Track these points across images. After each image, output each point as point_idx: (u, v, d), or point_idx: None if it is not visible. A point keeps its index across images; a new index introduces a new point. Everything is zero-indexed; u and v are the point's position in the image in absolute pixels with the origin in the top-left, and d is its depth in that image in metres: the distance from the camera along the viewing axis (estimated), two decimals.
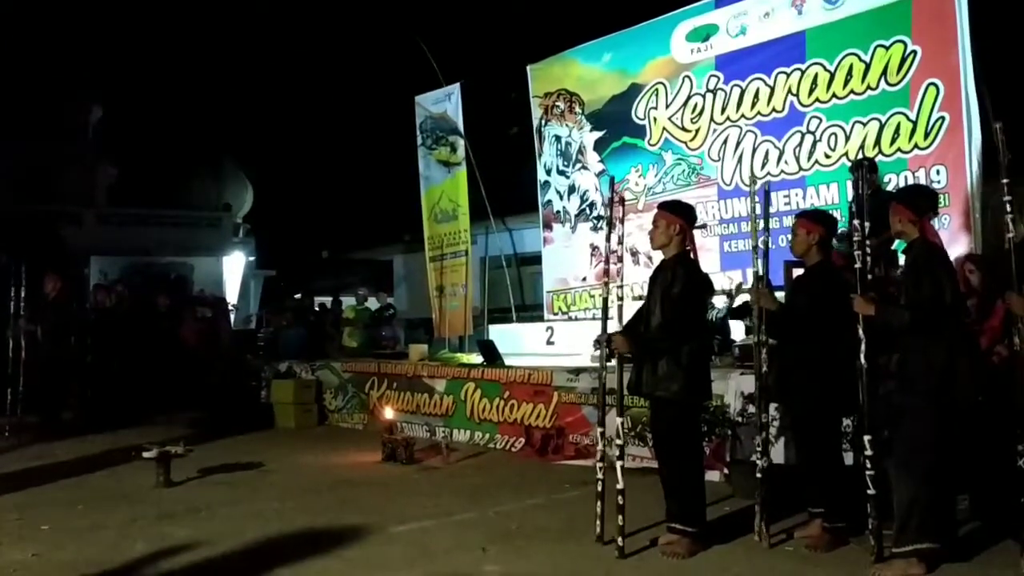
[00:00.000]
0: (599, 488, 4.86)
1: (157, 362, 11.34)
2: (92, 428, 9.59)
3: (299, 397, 10.36)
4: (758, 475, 4.78)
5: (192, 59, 22.47)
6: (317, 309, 14.99)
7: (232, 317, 16.48)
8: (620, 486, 4.66)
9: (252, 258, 24.03)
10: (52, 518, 5.60)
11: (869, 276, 4.46)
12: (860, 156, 5.77)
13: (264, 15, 21.22)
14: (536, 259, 11.72)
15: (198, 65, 22.65)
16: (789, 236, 5.31)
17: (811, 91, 8.14)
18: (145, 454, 6.72)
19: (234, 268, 22.95)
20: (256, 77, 22.89)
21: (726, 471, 6.16)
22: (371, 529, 5.20)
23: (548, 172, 10.93)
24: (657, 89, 9.55)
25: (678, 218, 4.81)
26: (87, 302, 12.64)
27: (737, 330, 7.54)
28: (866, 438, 4.30)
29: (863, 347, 4.29)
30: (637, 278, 8.56)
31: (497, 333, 10.65)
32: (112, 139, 23.45)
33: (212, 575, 4.40)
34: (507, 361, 8.83)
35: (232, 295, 20.64)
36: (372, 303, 14.38)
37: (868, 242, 4.49)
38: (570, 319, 10.47)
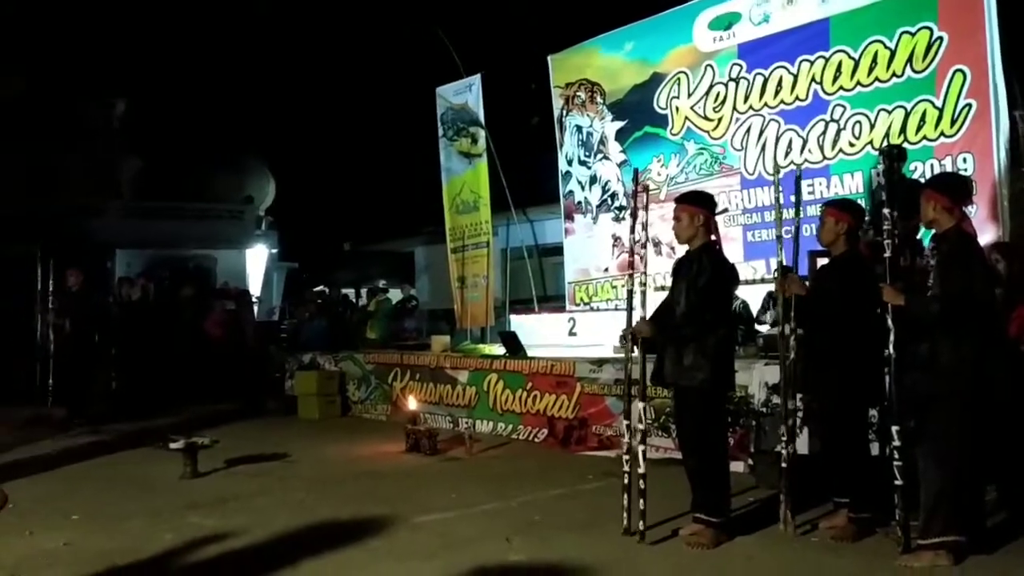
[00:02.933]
0: (625, 479, 4.84)
1: (182, 354, 11.45)
2: (119, 419, 9.70)
3: (322, 388, 10.42)
4: (783, 465, 4.76)
5: (214, 53, 22.56)
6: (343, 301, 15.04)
7: (255, 309, 16.60)
8: (642, 471, 4.66)
9: (275, 250, 24.12)
10: (82, 508, 5.68)
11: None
12: (887, 144, 5.73)
13: (287, 8, 21.27)
14: (557, 250, 11.71)
15: (220, 59, 22.74)
16: (814, 226, 5.28)
17: (835, 79, 8.07)
18: (172, 445, 6.79)
19: (257, 260, 23.07)
20: (278, 70, 22.95)
21: (750, 462, 6.14)
22: (395, 519, 5.23)
23: (569, 163, 10.91)
24: (679, 78, 9.50)
25: (700, 208, 4.79)
26: (112, 295, 12.78)
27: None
28: (894, 428, 4.27)
29: (891, 337, 4.24)
30: (659, 268, 8.50)
31: (519, 324, 10.66)
32: (136, 133, 23.60)
33: (239, 565, 4.43)
34: (529, 352, 8.83)
35: (255, 287, 20.75)
36: (394, 295, 14.44)
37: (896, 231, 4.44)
38: (592, 310, 10.46)
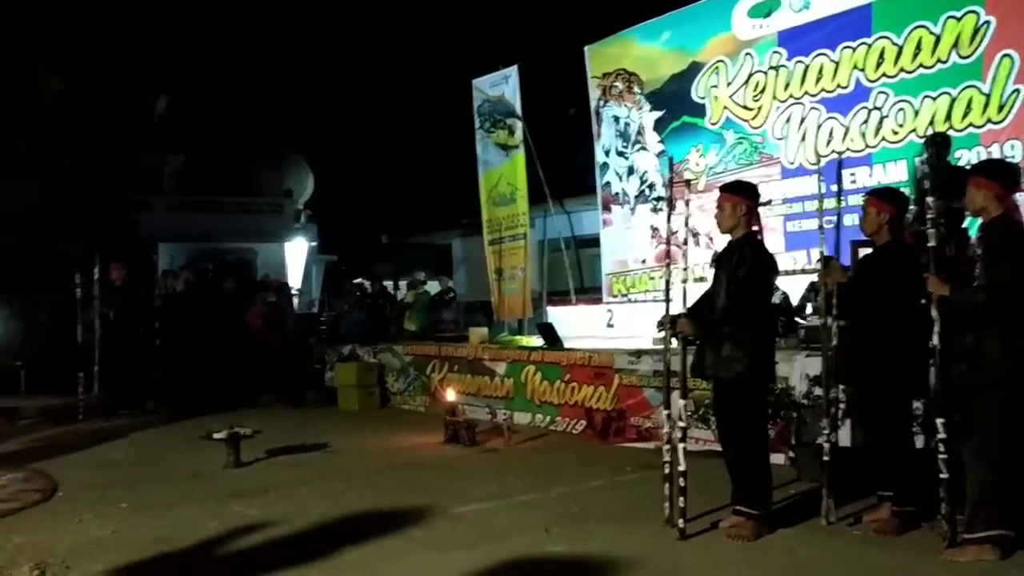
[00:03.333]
0: (665, 470, 4.82)
1: (224, 346, 11.60)
2: (162, 409, 9.87)
3: (362, 380, 10.52)
4: (824, 458, 4.71)
5: (252, 48, 22.81)
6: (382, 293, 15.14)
7: (295, 302, 16.77)
8: (682, 468, 4.64)
9: (314, 243, 24.36)
10: (128, 497, 5.80)
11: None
12: (932, 131, 5.63)
13: (324, 2, 21.42)
14: (594, 241, 11.69)
15: (259, 54, 22.99)
16: (856, 215, 5.20)
17: (878, 65, 7.95)
18: (215, 435, 6.90)
19: (296, 253, 23.31)
20: (316, 64, 23.13)
21: (791, 454, 6.08)
22: (434, 510, 5.27)
23: (607, 153, 10.87)
24: (718, 67, 9.42)
25: (743, 198, 4.74)
26: (156, 288, 13.00)
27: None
28: (939, 421, 4.20)
29: (937, 328, 4.17)
30: (697, 259, 8.47)
31: (556, 316, 10.66)
32: (178, 128, 23.94)
33: (282, 554, 4.49)
34: (567, 344, 8.83)
35: (295, 280, 20.97)
36: (432, 287, 14.50)
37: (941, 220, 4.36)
38: (629, 301, 10.42)
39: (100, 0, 20.71)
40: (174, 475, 6.57)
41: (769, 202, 8.28)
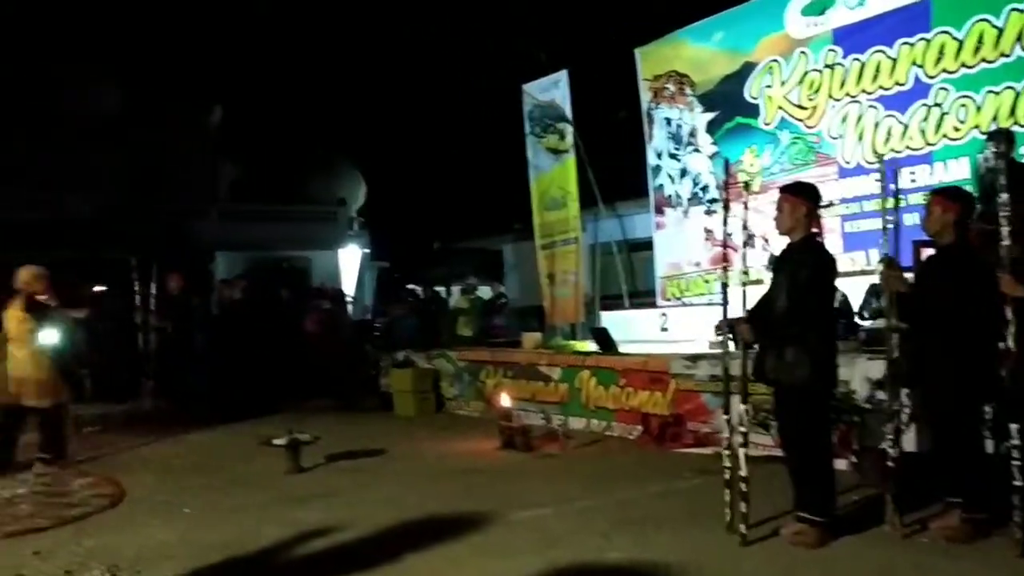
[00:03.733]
0: (726, 475, 4.77)
1: (282, 353, 11.79)
2: (223, 417, 10.04)
3: (417, 385, 10.59)
4: (888, 463, 4.61)
5: (303, 58, 23.15)
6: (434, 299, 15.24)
7: (350, 308, 16.97)
8: (744, 473, 4.58)
9: (366, 250, 24.64)
10: (193, 502, 5.92)
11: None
12: (996, 127, 5.48)
13: (374, 10, 21.64)
14: (647, 245, 11.60)
15: (309, 63, 23.32)
16: (917, 215, 5.09)
17: (937, 61, 7.75)
18: (275, 441, 7.01)
19: (350, 260, 23.60)
20: (367, 72, 23.39)
21: (854, 459, 5.97)
22: (493, 515, 5.28)
23: (659, 156, 10.79)
24: (771, 67, 9.29)
25: (803, 200, 4.67)
26: (214, 296, 13.25)
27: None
28: (1013, 426, 4.08)
29: (1012, 329, 4.05)
30: (752, 262, 8.33)
31: (609, 320, 10.61)
32: (231, 139, 24.42)
33: (344, 559, 4.54)
34: (621, 348, 8.78)
35: (348, 287, 21.23)
36: (484, 292, 14.55)
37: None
38: (684, 305, 10.33)
39: (155, 15, 21.22)
40: (236, 481, 6.69)
41: (831, 204, 8.15)
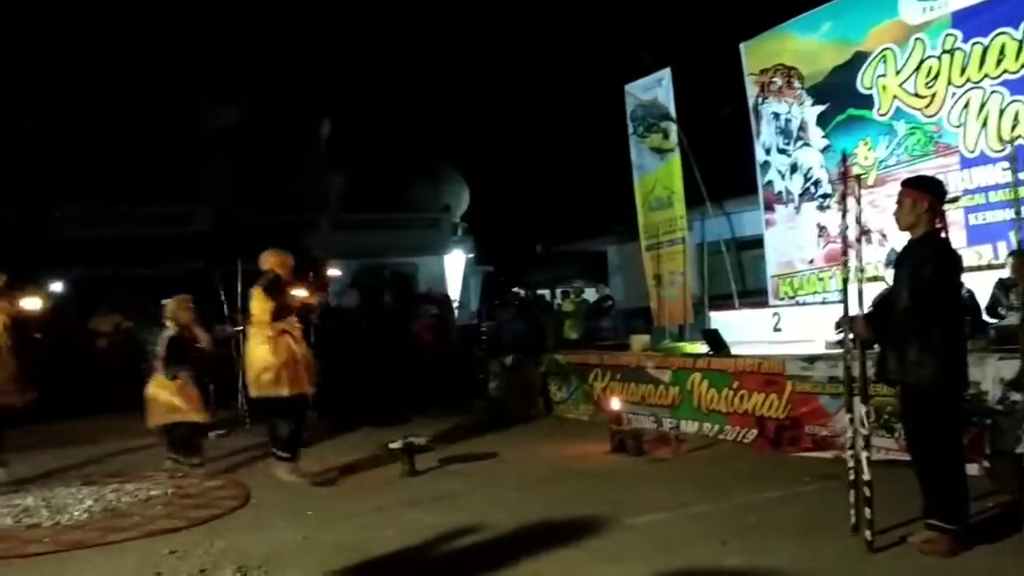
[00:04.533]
0: (851, 477, 4.61)
1: (393, 359, 12.02)
2: (338, 422, 10.30)
3: (525, 389, 10.64)
4: None
5: (406, 67, 23.65)
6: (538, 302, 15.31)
7: (456, 313, 17.21)
8: (867, 478, 4.43)
9: (471, 255, 24.96)
10: (314, 505, 6.12)
11: None
12: None
13: (474, 17, 21.93)
14: (757, 242, 11.35)
15: (412, 72, 23.80)
16: None
17: None
18: (391, 445, 7.17)
19: (454, 266, 23.96)
20: (468, 78, 23.71)
21: (986, 464, 5.68)
22: (607, 520, 5.26)
23: (767, 151, 10.54)
24: (885, 55, 8.94)
25: (925, 194, 4.48)
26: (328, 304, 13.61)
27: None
28: None
29: None
30: (870, 258, 8.05)
31: (719, 321, 10.42)
32: (340, 150, 25.16)
33: (462, 562, 4.62)
34: (732, 350, 8.61)
35: (454, 292, 21.56)
36: (589, 294, 14.53)
37: None
38: (797, 304, 10.05)
39: (268, 34, 22.06)
40: (355, 484, 6.88)
41: (956, 199, 7.78)
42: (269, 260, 7.13)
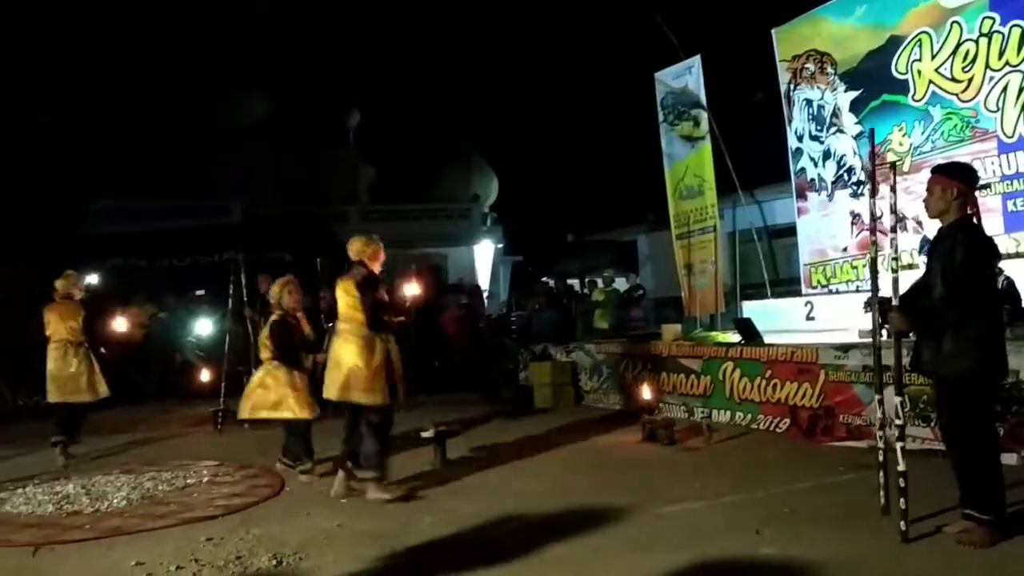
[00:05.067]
0: (880, 474, 4.57)
1: (423, 348, 12.08)
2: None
3: (555, 378, 10.64)
4: None
5: (433, 58, 23.68)
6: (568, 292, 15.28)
7: (487, 303, 17.24)
8: (902, 468, 4.38)
9: (500, 245, 24.98)
10: (349, 493, 6.14)
11: None
12: None
13: (502, 4, 21.91)
14: (789, 231, 11.26)
15: (440, 63, 23.83)
16: None
17: None
18: (423, 434, 7.21)
19: (484, 256, 24.00)
20: (496, 68, 23.69)
21: None
22: (639, 509, 5.26)
23: (800, 139, 10.44)
24: (920, 39, 8.81)
25: (955, 181, 4.41)
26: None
27: None
28: None
29: None
30: (904, 245, 7.99)
31: (751, 309, 10.35)
32: (370, 141, 25.27)
33: (495, 550, 4.62)
34: (765, 339, 8.55)
35: (483, 281, 21.60)
36: (620, 284, 14.48)
37: None
38: (830, 292, 9.96)
39: (297, 29, 22.19)
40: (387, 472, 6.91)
41: (988, 186, 7.66)
42: (355, 248, 6.07)
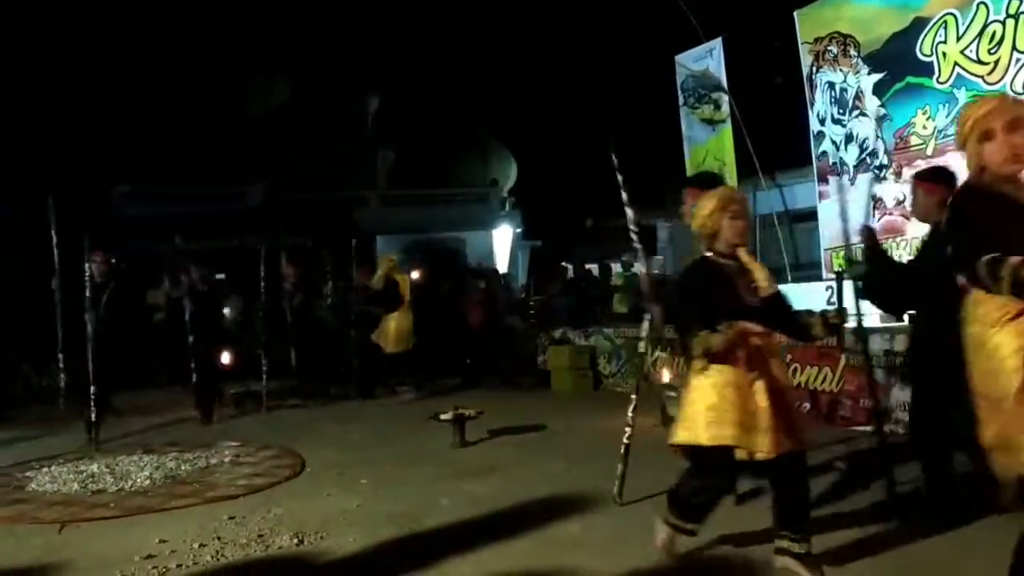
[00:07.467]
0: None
1: (441, 331, 12.11)
2: (382, 394, 10.39)
3: (574, 362, 10.66)
4: None
5: (452, 41, 23.58)
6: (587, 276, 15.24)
7: (512, 288, 17.24)
8: None
9: (518, 230, 24.93)
10: (368, 474, 6.22)
11: None
12: None
13: None
14: (810, 215, 11.15)
15: (459, 46, 23.73)
16: None
17: None
18: (442, 416, 7.26)
19: (503, 240, 23.96)
20: (515, 53, 23.57)
21: None
22: (656, 492, 5.25)
23: (822, 122, 10.32)
24: (946, 20, 8.67)
25: (937, 186, 4.49)
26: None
27: None
28: None
29: None
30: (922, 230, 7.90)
31: None
32: (388, 126, 25.24)
33: (511, 531, 4.65)
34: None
35: (502, 266, 21.58)
36: (639, 268, 14.43)
37: None
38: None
39: (318, 14, 22.17)
40: (406, 454, 6.98)
41: None
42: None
